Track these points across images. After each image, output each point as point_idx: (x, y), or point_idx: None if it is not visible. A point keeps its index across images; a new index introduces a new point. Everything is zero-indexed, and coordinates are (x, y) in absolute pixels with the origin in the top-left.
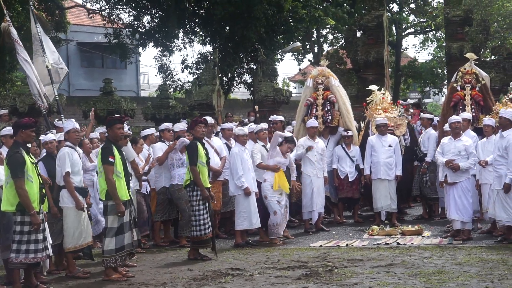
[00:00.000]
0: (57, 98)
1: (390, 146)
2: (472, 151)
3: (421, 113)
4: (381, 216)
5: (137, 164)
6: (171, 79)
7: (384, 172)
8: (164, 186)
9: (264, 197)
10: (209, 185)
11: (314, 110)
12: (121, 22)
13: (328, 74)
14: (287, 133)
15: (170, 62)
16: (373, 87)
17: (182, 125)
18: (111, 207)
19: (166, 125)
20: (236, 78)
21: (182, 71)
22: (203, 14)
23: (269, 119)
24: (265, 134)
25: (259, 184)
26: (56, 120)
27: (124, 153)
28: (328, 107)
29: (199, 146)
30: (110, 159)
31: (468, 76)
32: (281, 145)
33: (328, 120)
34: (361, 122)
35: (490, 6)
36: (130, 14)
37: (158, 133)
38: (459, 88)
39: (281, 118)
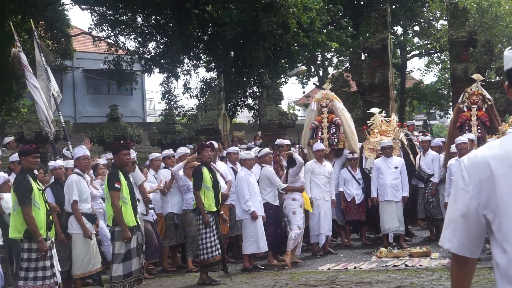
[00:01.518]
0: (63, 125)
1: (396, 167)
2: None
3: (421, 136)
4: (389, 238)
5: (145, 188)
6: (175, 105)
7: (391, 193)
8: (170, 211)
9: (292, 212)
10: (214, 209)
11: (320, 133)
12: (126, 49)
13: (332, 97)
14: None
15: (174, 87)
16: (374, 110)
17: (184, 149)
18: (118, 233)
19: (166, 152)
20: (240, 103)
21: (183, 94)
22: (208, 39)
23: (275, 142)
24: (270, 158)
25: (266, 207)
26: (64, 149)
27: (132, 178)
28: (334, 130)
29: (204, 170)
30: (116, 185)
31: (475, 97)
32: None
33: (334, 143)
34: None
35: (494, 27)
36: (136, 41)
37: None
38: (465, 109)
39: (287, 141)
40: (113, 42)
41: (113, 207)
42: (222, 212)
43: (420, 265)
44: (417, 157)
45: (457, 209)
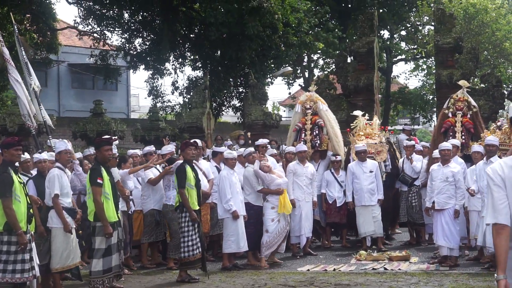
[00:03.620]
0: (45, 119)
1: (371, 171)
2: (459, 177)
3: (406, 140)
4: (366, 242)
5: (122, 186)
6: (161, 101)
7: (368, 198)
8: (152, 208)
9: (262, 214)
10: (197, 208)
11: (303, 134)
12: (112, 44)
13: (316, 99)
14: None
15: (161, 84)
16: (357, 112)
17: (170, 147)
18: (99, 228)
19: (148, 149)
20: (225, 102)
21: (172, 93)
22: (195, 38)
23: (256, 143)
24: (254, 158)
25: (247, 207)
26: (47, 140)
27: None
28: (317, 132)
29: (188, 168)
30: (99, 181)
31: (460, 103)
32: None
33: (317, 144)
34: (344, 147)
35: (480, 34)
36: (122, 36)
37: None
38: (450, 115)
39: (265, 141)
40: (99, 37)
41: (95, 202)
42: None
43: (399, 269)
44: (401, 160)
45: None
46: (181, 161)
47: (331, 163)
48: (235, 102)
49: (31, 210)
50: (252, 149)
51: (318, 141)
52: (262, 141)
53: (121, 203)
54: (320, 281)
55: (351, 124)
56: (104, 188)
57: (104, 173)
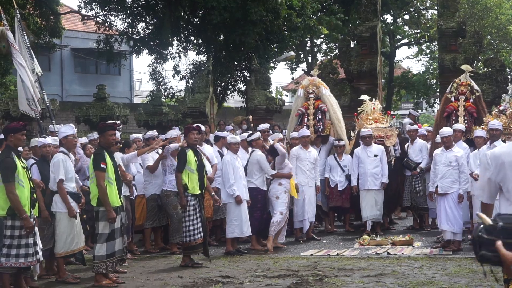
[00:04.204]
0: (48, 104)
1: (375, 156)
2: (463, 162)
3: (409, 125)
4: (367, 226)
5: (124, 171)
6: (164, 86)
7: (371, 182)
8: (154, 193)
9: (276, 197)
10: (198, 192)
11: (306, 119)
12: (115, 28)
13: (319, 84)
14: (270, 141)
15: (163, 69)
16: (364, 97)
17: (176, 132)
18: (102, 213)
19: (150, 133)
20: (230, 87)
21: (173, 77)
22: (198, 22)
23: (257, 128)
24: (261, 142)
25: (255, 191)
26: (50, 125)
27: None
28: (320, 117)
29: (189, 153)
30: (102, 165)
31: (463, 88)
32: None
33: (320, 129)
34: (351, 131)
35: (483, 19)
36: (125, 21)
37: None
38: (453, 99)
39: (266, 125)
40: (102, 22)
41: (98, 187)
42: (213, 193)
43: (402, 254)
44: (406, 145)
45: (485, 179)
46: (174, 145)
47: (334, 148)
48: (240, 85)
49: (34, 195)
50: (259, 133)
51: (321, 126)
52: (263, 126)
53: (124, 187)
54: (323, 265)
55: (358, 109)
56: (108, 173)
57: (108, 158)
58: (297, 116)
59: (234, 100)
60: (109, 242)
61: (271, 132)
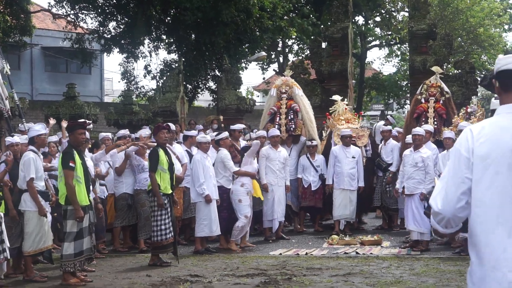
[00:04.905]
0: (18, 102)
1: (353, 157)
2: (429, 163)
3: (382, 125)
4: (340, 225)
5: (97, 170)
6: (135, 86)
7: (347, 182)
8: (124, 192)
9: (238, 200)
10: (169, 191)
11: (278, 118)
12: (86, 27)
13: (292, 84)
14: (243, 142)
15: (133, 68)
16: (336, 97)
17: (147, 131)
18: (70, 211)
19: (122, 132)
20: (200, 86)
21: (145, 77)
22: (170, 21)
23: (231, 127)
24: (229, 142)
25: (220, 190)
26: (19, 124)
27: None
28: (292, 116)
29: (161, 152)
30: (71, 164)
31: (433, 89)
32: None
33: (291, 129)
34: (322, 131)
35: (454, 21)
36: (96, 20)
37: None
38: (423, 101)
39: (240, 126)
40: (73, 20)
41: (67, 186)
42: (173, 193)
43: (371, 253)
44: (379, 146)
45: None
46: (134, 147)
47: (307, 148)
48: (211, 84)
49: (0, 193)
50: (226, 133)
51: (293, 126)
52: (238, 126)
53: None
54: (292, 265)
55: (330, 109)
56: (76, 172)
57: (77, 157)
58: (269, 115)
59: (204, 100)
60: (77, 241)
61: (246, 132)
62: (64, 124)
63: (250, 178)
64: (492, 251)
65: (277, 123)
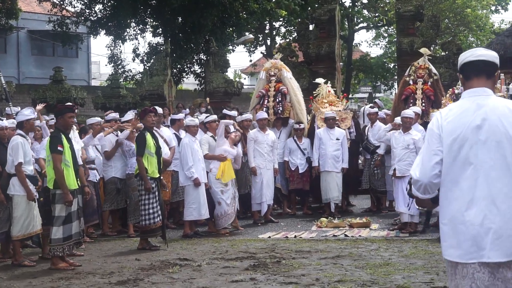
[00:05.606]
0: (5, 86)
1: (337, 139)
2: (420, 145)
3: (369, 108)
4: (331, 208)
5: (84, 153)
6: (122, 69)
7: (331, 164)
8: (113, 176)
9: (208, 187)
10: (157, 175)
11: (266, 101)
12: (72, 10)
13: (281, 67)
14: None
15: (121, 52)
16: (319, 80)
17: (131, 115)
18: (59, 195)
19: (113, 115)
20: (186, 69)
21: (133, 60)
22: (156, 4)
23: (223, 111)
24: (216, 125)
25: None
26: (6, 108)
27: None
28: (279, 99)
29: (148, 136)
30: (59, 148)
31: (421, 71)
32: (230, 135)
33: (279, 111)
34: (307, 115)
35: (441, 2)
36: (82, 2)
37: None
38: (411, 82)
39: (234, 113)
40: (59, 3)
41: (55, 170)
42: (161, 177)
43: (360, 236)
44: (366, 128)
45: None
46: (125, 133)
47: (294, 131)
48: (196, 68)
49: None
50: (215, 116)
51: (281, 108)
52: (233, 112)
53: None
54: (281, 248)
55: (314, 92)
56: (65, 156)
57: (65, 141)
58: (258, 98)
59: (191, 83)
60: (66, 225)
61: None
62: (39, 107)
63: (219, 161)
64: (455, 204)
65: (265, 106)
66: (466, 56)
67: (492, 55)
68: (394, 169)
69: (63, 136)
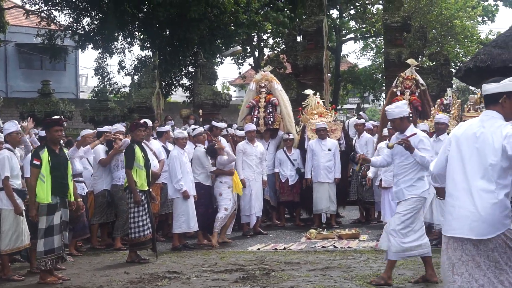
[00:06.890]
0: None
1: (329, 150)
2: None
3: (356, 119)
4: (321, 219)
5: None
6: (108, 82)
7: (324, 175)
8: (104, 189)
9: (219, 194)
10: (146, 188)
11: (256, 112)
12: (60, 23)
13: (271, 79)
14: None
15: (107, 65)
16: (308, 91)
17: (119, 127)
18: (41, 208)
19: (108, 127)
20: (175, 82)
21: (118, 72)
22: (143, 17)
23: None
24: (204, 138)
25: (198, 187)
26: None
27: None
28: (270, 109)
29: (137, 149)
30: (34, 162)
31: (408, 82)
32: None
33: (270, 122)
34: (295, 126)
35: (428, 13)
36: (70, 16)
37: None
38: (398, 93)
39: (223, 124)
40: (46, 16)
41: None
42: (151, 190)
43: (349, 247)
44: (354, 140)
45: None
46: (127, 139)
47: (284, 142)
48: (185, 81)
49: None
50: (202, 129)
51: (271, 119)
52: (221, 124)
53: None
54: (270, 260)
55: (303, 103)
56: (42, 170)
57: (45, 154)
58: (248, 108)
59: (180, 95)
60: (47, 238)
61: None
62: (24, 123)
63: (228, 175)
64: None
65: (255, 117)
66: (485, 89)
67: (492, 88)
68: (380, 180)
69: (46, 150)
